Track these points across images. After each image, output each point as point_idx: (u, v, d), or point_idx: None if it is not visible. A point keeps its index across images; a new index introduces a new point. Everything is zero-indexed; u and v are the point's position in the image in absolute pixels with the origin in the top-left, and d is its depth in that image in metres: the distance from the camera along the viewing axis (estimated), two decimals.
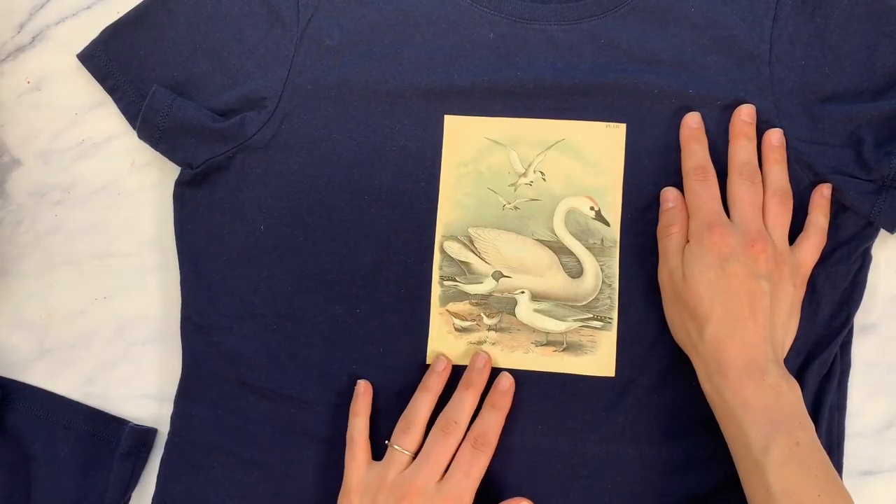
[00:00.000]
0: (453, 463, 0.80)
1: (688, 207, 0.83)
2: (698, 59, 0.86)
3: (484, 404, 0.83)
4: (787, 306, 0.80)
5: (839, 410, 0.85)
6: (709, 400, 0.79)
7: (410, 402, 0.83)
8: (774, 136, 0.84)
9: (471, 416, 0.82)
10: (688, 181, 0.83)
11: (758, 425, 0.74)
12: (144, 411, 0.91)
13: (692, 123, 0.85)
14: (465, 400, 0.82)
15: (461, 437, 0.82)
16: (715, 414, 0.79)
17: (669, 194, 0.84)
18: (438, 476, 0.80)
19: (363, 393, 0.85)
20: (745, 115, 0.85)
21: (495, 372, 0.85)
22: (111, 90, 0.90)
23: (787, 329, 0.81)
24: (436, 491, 0.79)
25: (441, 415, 0.82)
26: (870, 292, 0.86)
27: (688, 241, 0.81)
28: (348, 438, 0.84)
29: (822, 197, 0.84)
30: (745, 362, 0.76)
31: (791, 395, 0.76)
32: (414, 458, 0.81)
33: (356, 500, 0.81)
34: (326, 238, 0.87)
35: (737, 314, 0.77)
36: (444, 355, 0.85)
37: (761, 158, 0.84)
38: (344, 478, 0.83)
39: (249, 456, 0.86)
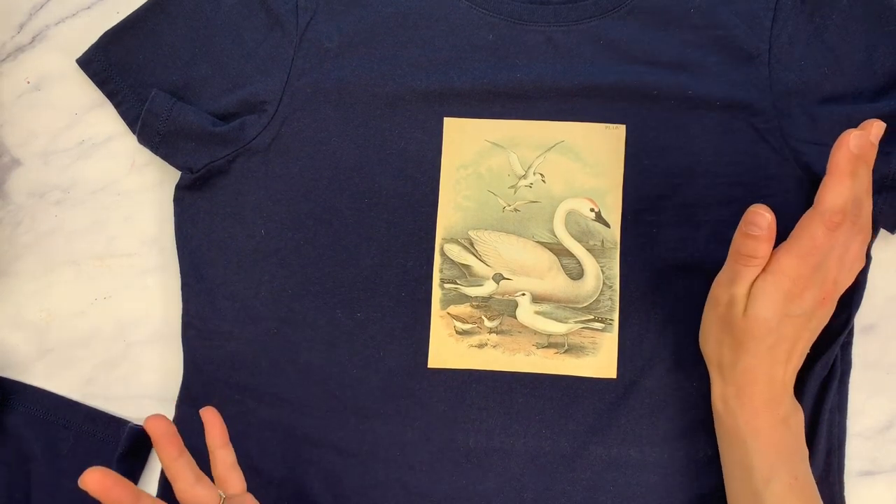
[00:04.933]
0: None
1: (794, 238, 0.74)
2: (698, 59, 0.86)
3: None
4: (815, 337, 0.79)
5: (840, 411, 0.85)
6: (717, 416, 0.79)
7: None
8: (871, 156, 0.74)
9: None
10: (813, 219, 0.73)
11: (764, 456, 0.75)
12: (144, 411, 0.90)
13: (854, 147, 0.71)
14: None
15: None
16: (718, 429, 0.79)
17: (761, 219, 0.73)
18: None
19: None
20: (876, 135, 0.74)
21: (496, 375, 0.85)
22: (111, 95, 0.90)
23: (805, 355, 0.80)
24: None
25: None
26: (870, 292, 0.86)
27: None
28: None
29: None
30: (767, 396, 0.76)
31: (797, 425, 0.77)
32: None
33: None
34: (327, 241, 0.87)
35: (776, 358, 0.76)
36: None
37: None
38: None
39: (250, 461, 0.86)
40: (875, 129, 0.74)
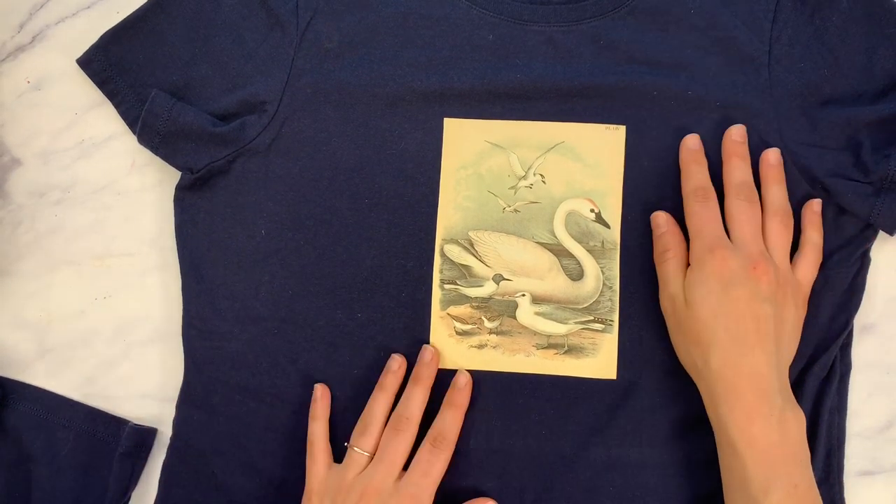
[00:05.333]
0: (412, 462, 0.81)
1: (689, 229, 0.81)
2: (698, 60, 0.86)
3: (443, 403, 0.84)
4: (791, 328, 0.80)
5: (839, 412, 0.85)
6: (714, 428, 0.79)
7: (368, 402, 0.84)
8: (772, 156, 0.84)
9: (422, 410, 0.83)
10: (688, 203, 0.82)
11: (760, 465, 0.74)
12: (144, 411, 0.91)
13: (692, 145, 0.84)
14: (415, 395, 0.83)
15: (415, 432, 0.82)
16: (716, 440, 0.79)
17: (660, 219, 0.84)
18: (396, 475, 0.80)
19: (321, 397, 0.85)
20: (735, 135, 0.84)
21: (496, 375, 0.85)
22: (111, 95, 0.90)
23: (790, 350, 0.80)
24: (394, 490, 0.79)
25: (393, 413, 0.83)
26: (869, 293, 0.86)
27: (689, 265, 0.81)
28: (308, 442, 0.84)
29: (813, 213, 0.84)
30: (754, 394, 0.75)
31: (795, 427, 0.76)
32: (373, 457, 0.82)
33: (316, 501, 0.81)
34: (327, 242, 0.87)
35: (742, 340, 0.76)
36: (398, 355, 0.85)
37: (759, 178, 0.84)
38: (306, 481, 0.83)
39: (251, 461, 0.86)
40: (735, 130, 0.84)
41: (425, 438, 0.81)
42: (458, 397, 0.83)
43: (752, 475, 0.74)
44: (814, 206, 0.84)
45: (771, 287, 0.78)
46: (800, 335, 0.82)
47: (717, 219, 0.81)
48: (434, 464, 0.80)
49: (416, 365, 0.84)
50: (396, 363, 0.84)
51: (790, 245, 0.82)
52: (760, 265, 0.78)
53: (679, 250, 0.82)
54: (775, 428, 0.75)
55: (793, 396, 0.78)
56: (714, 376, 0.77)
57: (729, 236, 0.80)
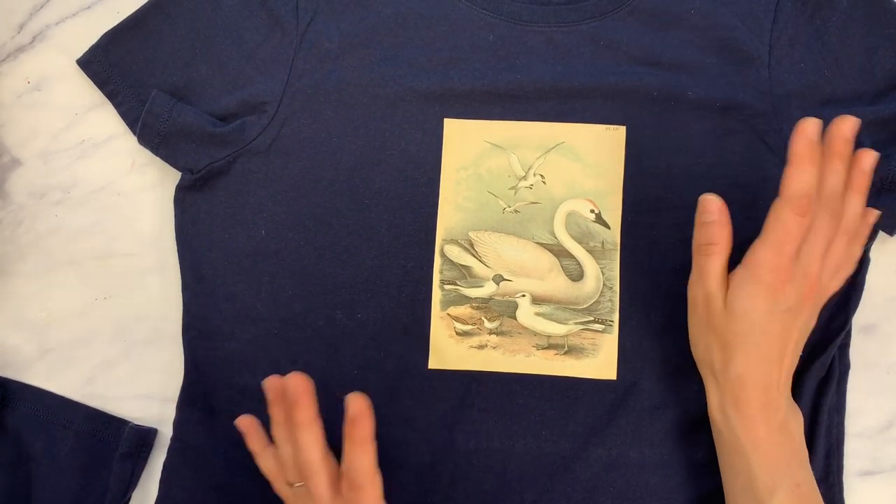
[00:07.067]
0: None
1: (765, 230, 0.73)
2: (698, 61, 0.86)
3: (344, 440, 0.76)
4: (805, 337, 0.79)
5: (838, 412, 0.85)
6: (714, 428, 0.79)
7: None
8: (867, 161, 0.76)
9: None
10: (782, 206, 0.72)
11: (765, 466, 0.74)
12: (144, 411, 0.91)
13: (811, 133, 0.72)
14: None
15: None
16: (717, 441, 0.79)
17: (711, 205, 0.76)
18: None
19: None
20: (848, 130, 0.73)
21: (496, 376, 0.85)
22: (111, 96, 0.90)
23: (798, 357, 0.79)
24: None
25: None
26: (869, 293, 0.86)
27: (731, 266, 0.75)
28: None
29: (866, 226, 0.80)
30: (764, 401, 0.75)
31: (797, 431, 0.77)
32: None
33: None
34: (327, 242, 0.87)
35: (768, 356, 0.75)
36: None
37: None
38: None
39: (251, 462, 0.86)
40: (848, 124, 0.73)
41: (340, 487, 0.76)
42: (357, 431, 0.75)
43: (757, 476, 0.74)
44: (869, 218, 0.80)
45: (812, 311, 0.77)
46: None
47: (801, 240, 0.73)
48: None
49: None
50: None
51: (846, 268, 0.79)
52: (812, 293, 0.75)
53: (725, 246, 0.76)
54: (779, 430, 0.75)
55: (794, 402, 0.78)
56: (730, 380, 0.76)
57: None
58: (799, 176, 0.71)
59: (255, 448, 0.80)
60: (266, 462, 0.80)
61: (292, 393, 0.75)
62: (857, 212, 0.76)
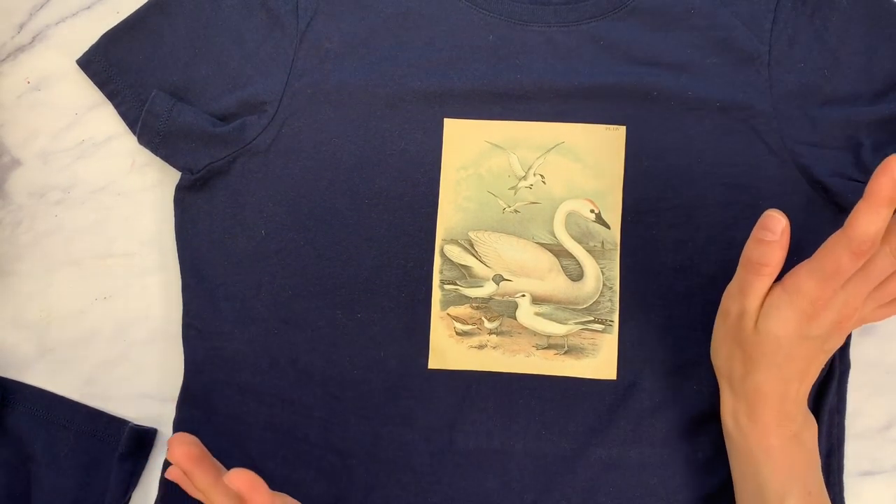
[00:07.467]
0: None
1: (816, 257, 0.70)
2: (698, 60, 0.86)
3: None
4: (829, 356, 0.77)
5: (839, 412, 0.85)
6: (727, 434, 0.79)
7: None
8: None
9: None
10: (839, 242, 0.68)
11: (777, 473, 0.74)
12: (144, 411, 0.91)
13: None
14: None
15: None
16: (729, 447, 0.79)
17: (775, 223, 0.71)
18: None
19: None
20: None
21: (496, 376, 0.85)
22: (111, 96, 0.90)
23: (819, 371, 0.77)
24: None
25: None
26: None
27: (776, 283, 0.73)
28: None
29: None
30: (778, 414, 0.75)
31: (810, 440, 0.76)
32: None
33: None
34: (327, 242, 0.87)
35: (790, 374, 0.74)
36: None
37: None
38: None
39: (251, 461, 0.86)
40: None
41: None
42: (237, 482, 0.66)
43: (769, 484, 0.74)
44: None
45: (841, 337, 0.75)
46: None
47: (849, 276, 0.70)
48: None
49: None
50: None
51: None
52: (846, 325, 0.72)
53: (777, 268, 0.71)
54: (791, 442, 0.75)
55: (808, 411, 0.78)
56: (748, 391, 0.75)
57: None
58: (870, 217, 0.66)
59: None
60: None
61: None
62: None
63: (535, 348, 0.85)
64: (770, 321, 0.72)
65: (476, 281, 0.86)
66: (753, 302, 0.73)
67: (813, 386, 0.83)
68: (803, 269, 0.71)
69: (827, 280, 0.69)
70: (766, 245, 0.71)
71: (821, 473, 0.77)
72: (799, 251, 0.83)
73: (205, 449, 0.69)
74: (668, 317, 0.85)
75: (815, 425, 0.78)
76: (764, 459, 0.75)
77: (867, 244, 0.67)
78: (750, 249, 0.72)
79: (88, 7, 0.94)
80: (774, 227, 0.70)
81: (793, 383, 0.75)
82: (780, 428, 0.75)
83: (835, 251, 0.68)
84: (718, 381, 0.81)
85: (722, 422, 0.80)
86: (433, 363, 0.85)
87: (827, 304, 0.70)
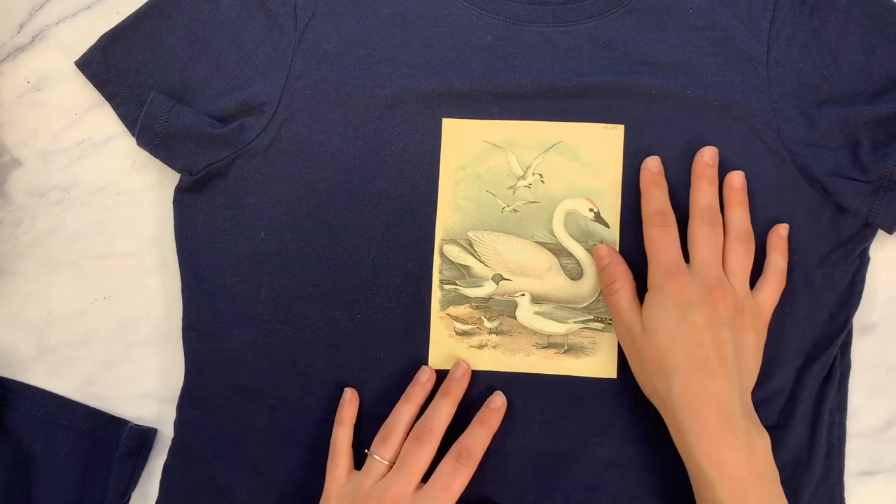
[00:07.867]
0: (433, 474, 0.80)
1: (648, 254, 0.81)
2: (696, 60, 0.86)
3: (473, 420, 0.83)
4: (751, 352, 0.79)
5: (839, 412, 0.85)
6: (682, 455, 0.78)
7: (392, 411, 0.83)
8: (736, 179, 0.83)
9: (447, 424, 0.82)
10: (647, 227, 0.82)
11: (730, 489, 0.73)
12: (144, 411, 0.91)
13: (652, 167, 0.84)
14: (441, 408, 0.82)
15: (436, 445, 0.81)
16: (686, 467, 0.78)
17: (601, 251, 0.84)
18: (414, 485, 0.79)
19: (349, 402, 0.85)
20: (707, 157, 0.83)
21: (496, 375, 0.85)
22: (109, 97, 0.90)
23: (751, 375, 0.80)
24: (412, 500, 0.79)
25: (417, 423, 0.82)
26: (869, 292, 0.86)
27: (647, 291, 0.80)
28: (331, 447, 0.84)
29: (779, 237, 0.84)
30: (719, 420, 0.75)
31: (762, 448, 0.76)
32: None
33: None
34: (326, 243, 0.87)
35: (703, 365, 0.76)
36: (429, 367, 0.85)
37: (723, 201, 0.84)
38: (325, 485, 0.83)
39: (251, 462, 0.86)
40: (708, 153, 0.84)
41: (449, 452, 0.81)
42: (491, 417, 0.83)
43: (723, 500, 0.74)
44: (780, 231, 0.84)
45: (729, 312, 0.78)
46: (761, 359, 0.81)
47: (676, 243, 0.81)
48: (455, 478, 0.80)
49: (447, 379, 0.84)
50: (426, 375, 0.84)
51: (750, 270, 0.82)
52: (718, 290, 0.78)
53: (626, 279, 0.82)
54: (743, 452, 0.74)
55: (757, 419, 0.77)
56: (678, 403, 0.76)
57: (689, 259, 0.81)
58: (648, 198, 0.83)
59: (346, 417, 0.85)
60: (347, 431, 0.85)
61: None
62: (741, 221, 0.83)
63: (534, 347, 0.85)
64: (649, 316, 0.79)
65: (475, 280, 0.86)
66: (628, 313, 0.80)
67: (813, 386, 0.83)
68: (648, 268, 0.81)
69: (659, 255, 0.80)
70: (604, 269, 0.83)
71: (779, 485, 0.76)
72: (798, 250, 0.84)
73: None
74: None
75: (768, 437, 0.77)
76: (717, 476, 0.74)
77: (660, 216, 0.81)
78: (601, 280, 0.84)
79: (88, 7, 0.94)
80: (602, 255, 0.84)
81: (711, 378, 0.75)
82: (726, 437, 0.74)
83: (647, 233, 0.82)
84: (659, 411, 0.80)
85: (678, 449, 0.79)
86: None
87: (680, 275, 0.78)
